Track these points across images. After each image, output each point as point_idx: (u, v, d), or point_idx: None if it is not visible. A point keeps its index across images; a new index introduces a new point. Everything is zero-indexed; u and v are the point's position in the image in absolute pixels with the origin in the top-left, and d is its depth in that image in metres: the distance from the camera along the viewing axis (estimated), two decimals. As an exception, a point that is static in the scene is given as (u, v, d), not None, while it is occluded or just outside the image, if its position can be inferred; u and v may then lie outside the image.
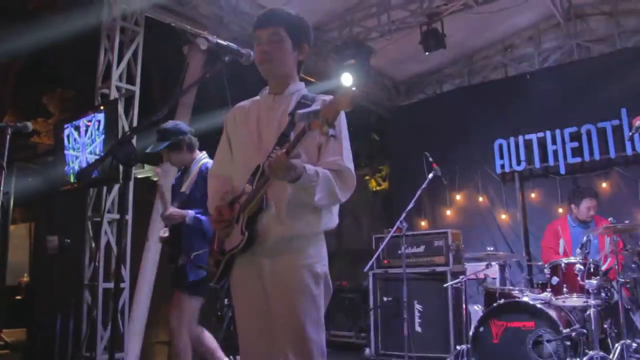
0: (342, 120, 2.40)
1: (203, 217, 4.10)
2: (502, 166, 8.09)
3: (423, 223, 8.69)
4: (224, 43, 2.47)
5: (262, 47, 2.44)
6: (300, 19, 2.55)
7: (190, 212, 4.12)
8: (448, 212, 8.62)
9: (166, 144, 4.32)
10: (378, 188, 9.37)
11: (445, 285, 6.22)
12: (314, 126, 2.00)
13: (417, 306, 6.37)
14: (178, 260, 4.18)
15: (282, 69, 2.49)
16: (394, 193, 9.17)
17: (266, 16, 2.49)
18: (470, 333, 5.15)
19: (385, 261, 7.00)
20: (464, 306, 5.71)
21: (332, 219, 2.45)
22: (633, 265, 5.10)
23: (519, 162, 7.92)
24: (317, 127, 1.99)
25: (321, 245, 2.43)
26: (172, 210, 4.13)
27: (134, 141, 5.61)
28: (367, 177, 9.47)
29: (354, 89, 1.96)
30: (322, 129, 1.97)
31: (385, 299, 6.85)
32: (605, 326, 4.97)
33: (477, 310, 5.63)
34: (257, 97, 2.59)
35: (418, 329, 6.40)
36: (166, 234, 4.36)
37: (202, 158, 4.41)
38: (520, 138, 7.90)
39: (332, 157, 2.34)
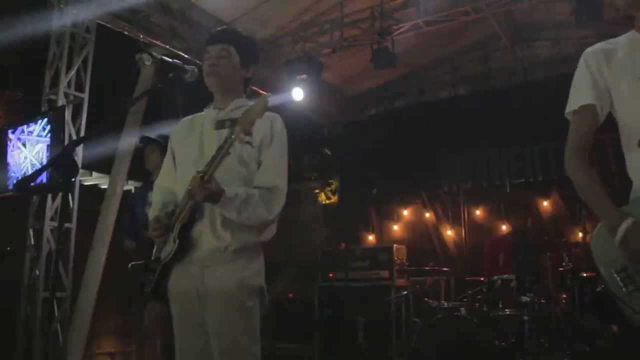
0: (280, 136, 2.50)
1: None
2: (449, 183, 8.28)
3: (370, 237, 8.80)
4: (169, 60, 2.51)
5: (211, 61, 2.53)
6: (250, 39, 2.70)
7: None
8: (395, 227, 8.76)
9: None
10: (327, 202, 9.43)
11: (387, 299, 6.32)
12: (236, 137, 2.12)
13: (361, 319, 6.43)
14: None
15: (228, 84, 2.57)
16: (343, 207, 9.27)
17: (218, 33, 2.62)
18: (411, 345, 5.25)
19: (331, 274, 7.07)
20: (405, 320, 5.82)
21: (268, 230, 2.48)
22: (568, 282, 5.31)
23: (465, 180, 8.12)
24: (237, 137, 2.12)
25: (256, 256, 2.46)
26: None
27: (80, 150, 5.58)
28: (317, 191, 9.52)
29: (268, 97, 2.14)
30: (239, 136, 2.10)
31: (330, 311, 6.91)
32: (542, 340, 5.13)
33: (418, 323, 5.73)
34: (203, 112, 2.65)
35: (361, 341, 6.47)
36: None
37: None
38: (467, 156, 8.11)
39: (265, 174, 2.42)
